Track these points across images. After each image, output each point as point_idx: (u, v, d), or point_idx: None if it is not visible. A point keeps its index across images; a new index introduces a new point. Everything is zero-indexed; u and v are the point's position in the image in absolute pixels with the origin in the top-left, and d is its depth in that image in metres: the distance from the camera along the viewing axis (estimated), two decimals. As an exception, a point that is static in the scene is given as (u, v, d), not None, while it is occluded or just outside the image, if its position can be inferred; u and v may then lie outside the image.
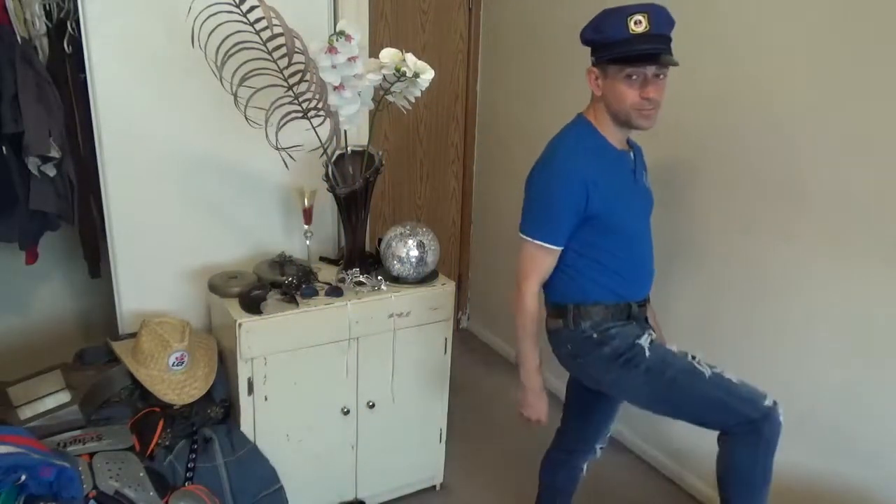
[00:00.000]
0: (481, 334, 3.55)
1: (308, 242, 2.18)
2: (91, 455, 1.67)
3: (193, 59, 1.77)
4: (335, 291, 2.00)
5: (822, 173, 1.86)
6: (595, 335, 1.63)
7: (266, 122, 1.77)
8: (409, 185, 3.34)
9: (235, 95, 1.74)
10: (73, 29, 2.03)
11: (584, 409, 1.89)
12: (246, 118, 1.78)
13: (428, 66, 1.82)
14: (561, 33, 2.73)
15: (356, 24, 1.77)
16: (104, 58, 1.91)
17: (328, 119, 1.87)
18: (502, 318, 3.35)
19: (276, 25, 1.63)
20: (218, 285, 2.01)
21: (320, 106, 1.81)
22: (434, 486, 2.37)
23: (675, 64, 1.50)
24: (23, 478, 1.38)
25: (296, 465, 2.03)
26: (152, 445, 1.80)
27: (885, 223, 1.74)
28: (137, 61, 1.95)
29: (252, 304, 1.89)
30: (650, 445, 2.53)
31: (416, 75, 1.81)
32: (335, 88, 1.78)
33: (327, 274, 2.14)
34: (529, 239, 1.61)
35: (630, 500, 2.37)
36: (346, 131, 1.95)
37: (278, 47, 1.71)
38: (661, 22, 1.50)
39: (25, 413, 1.75)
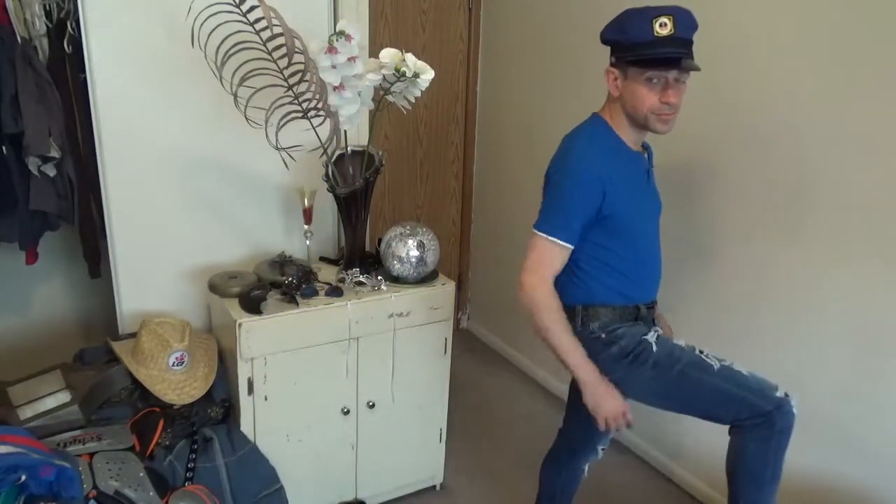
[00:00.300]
0: (481, 334, 3.55)
1: (308, 242, 2.18)
2: (91, 455, 1.67)
3: (193, 59, 1.78)
4: (335, 291, 2.00)
5: (828, 175, 1.86)
6: (603, 335, 1.63)
7: (266, 122, 1.77)
8: (409, 185, 3.34)
9: (235, 95, 1.75)
10: (73, 29, 2.03)
11: (587, 410, 1.88)
12: (246, 118, 1.78)
13: (428, 66, 1.82)
14: (561, 33, 2.73)
15: (356, 24, 1.77)
16: (104, 58, 1.91)
17: (328, 119, 1.87)
18: (502, 318, 3.35)
19: (276, 25, 1.63)
20: (218, 285, 2.01)
21: (320, 106, 1.81)
22: (434, 486, 2.37)
23: (698, 69, 1.49)
24: (23, 478, 1.38)
25: (296, 465, 2.03)
26: (152, 445, 1.80)
27: (888, 224, 1.74)
28: (137, 61, 1.95)
29: (252, 304, 1.89)
30: (650, 445, 2.53)
31: (416, 75, 1.81)
32: (335, 88, 1.78)
33: (327, 274, 2.14)
34: (543, 235, 1.57)
35: (630, 501, 2.37)
36: (346, 131, 1.95)
37: (278, 47, 1.71)
38: (687, 25, 1.48)
39: (25, 413, 1.75)
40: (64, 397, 1.80)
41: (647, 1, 1.57)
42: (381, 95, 1.90)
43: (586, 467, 1.96)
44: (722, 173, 2.14)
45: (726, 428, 1.63)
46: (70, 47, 2.05)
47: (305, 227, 2.16)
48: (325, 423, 2.05)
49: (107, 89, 1.94)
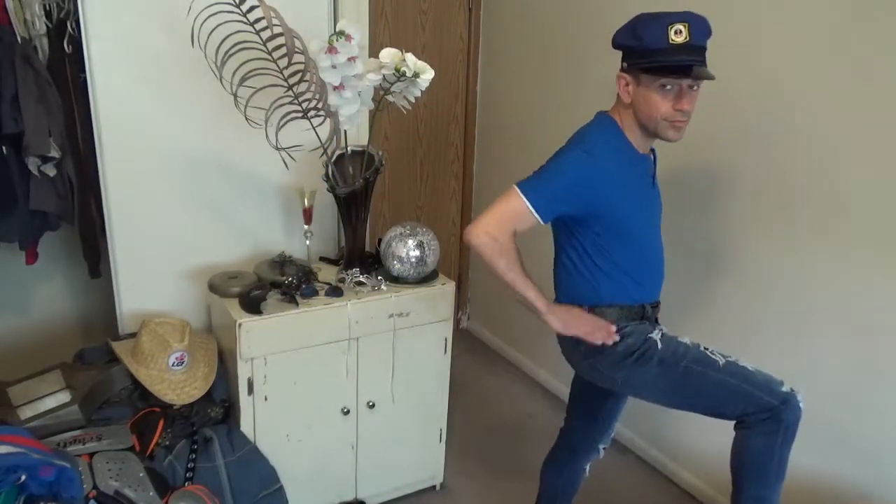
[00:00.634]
0: (481, 334, 3.55)
1: (308, 242, 2.18)
2: (91, 455, 1.67)
3: (193, 59, 1.77)
4: (335, 291, 2.00)
5: (829, 175, 1.86)
6: None
7: (266, 122, 1.77)
8: (409, 185, 3.34)
9: (235, 95, 1.74)
10: (73, 29, 2.03)
11: (589, 408, 1.89)
12: (246, 118, 1.78)
13: (428, 66, 1.82)
14: (561, 33, 2.73)
15: (356, 24, 1.77)
16: (104, 58, 1.91)
17: (328, 119, 1.87)
18: (502, 318, 3.35)
19: (276, 25, 1.63)
20: (218, 285, 2.01)
21: (320, 106, 1.81)
22: (434, 486, 2.37)
23: (713, 78, 1.47)
24: (23, 478, 1.38)
25: (296, 465, 2.03)
26: (152, 445, 1.80)
27: (888, 224, 1.74)
28: (137, 61, 1.95)
29: (252, 304, 1.89)
30: (650, 445, 2.53)
31: (416, 75, 1.81)
32: (335, 88, 1.78)
33: (327, 274, 2.14)
34: (520, 193, 1.52)
35: (630, 501, 2.37)
36: (346, 131, 1.95)
37: (278, 47, 1.71)
38: (702, 32, 1.47)
39: (25, 413, 1.75)
40: (64, 397, 1.80)
41: (652, 4, 1.56)
42: (381, 95, 1.90)
43: (587, 467, 1.96)
44: (723, 174, 2.14)
45: (727, 427, 1.63)
46: (70, 47, 2.05)
47: (305, 227, 2.16)
48: (325, 423, 2.05)
49: (107, 89, 1.94)
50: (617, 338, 1.60)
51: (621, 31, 1.53)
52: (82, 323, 2.59)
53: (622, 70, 1.55)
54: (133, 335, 1.99)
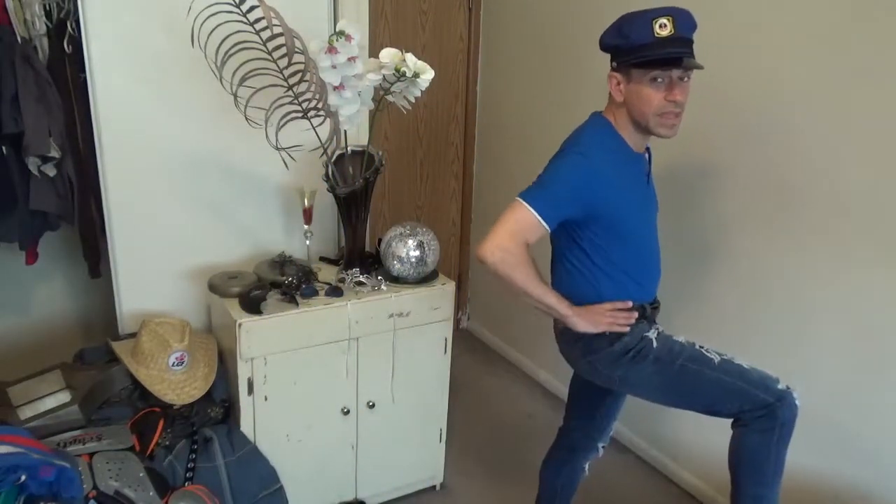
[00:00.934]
0: (481, 334, 3.55)
1: (308, 242, 2.18)
2: (91, 455, 1.67)
3: (193, 59, 1.77)
4: (335, 291, 2.00)
5: (827, 174, 1.86)
6: (607, 333, 1.63)
7: (266, 122, 1.77)
8: (409, 185, 3.34)
9: (235, 95, 1.75)
10: (73, 29, 2.03)
11: (587, 407, 1.89)
12: (246, 118, 1.78)
13: (428, 66, 1.82)
14: (561, 33, 2.73)
15: (356, 24, 1.77)
16: (104, 58, 1.91)
17: (328, 119, 1.87)
18: (502, 318, 3.35)
19: (276, 25, 1.63)
20: (218, 285, 2.01)
21: (320, 106, 1.81)
22: (434, 486, 2.37)
23: (701, 67, 1.50)
24: (23, 478, 1.38)
25: (296, 465, 2.03)
26: (152, 445, 1.80)
27: (887, 223, 1.74)
28: (137, 61, 1.95)
29: (252, 304, 1.89)
30: (650, 445, 2.53)
31: (416, 75, 1.81)
32: (335, 88, 1.78)
33: (327, 274, 2.14)
34: (525, 203, 1.52)
35: (630, 500, 2.37)
36: (346, 131, 1.95)
37: (278, 47, 1.71)
38: (686, 25, 1.49)
39: (25, 413, 1.75)
40: (64, 397, 1.80)
41: (646, 2, 1.57)
42: (381, 95, 1.90)
43: (587, 465, 1.97)
44: (720, 172, 2.14)
45: (726, 427, 1.63)
46: (70, 47, 2.05)
47: (305, 227, 2.16)
48: (325, 423, 2.05)
49: (107, 89, 1.94)
50: (635, 314, 1.62)
51: (608, 32, 1.55)
52: (82, 323, 2.59)
53: (613, 69, 1.56)
54: (133, 335, 1.99)
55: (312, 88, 1.77)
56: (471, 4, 3.20)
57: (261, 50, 1.73)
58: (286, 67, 1.75)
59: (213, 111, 2.02)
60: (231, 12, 1.65)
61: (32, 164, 1.97)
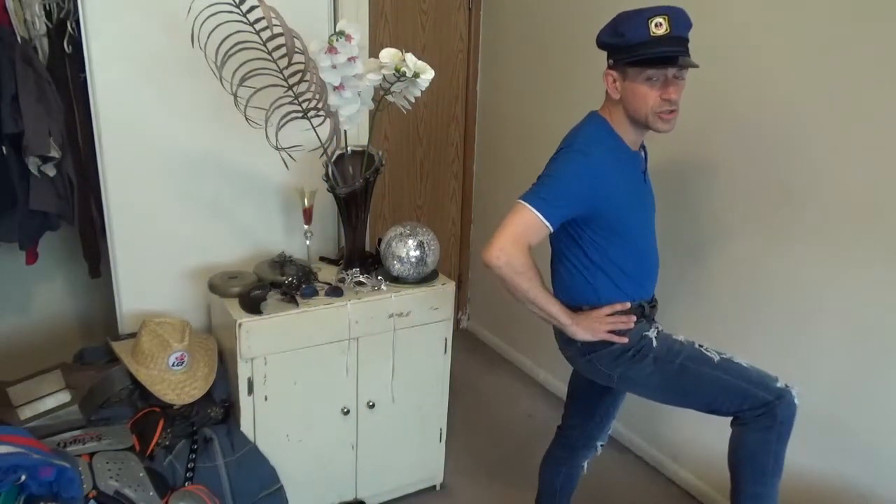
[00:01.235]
0: (481, 334, 3.55)
1: (308, 242, 2.18)
2: (91, 455, 1.67)
3: (193, 59, 1.77)
4: (335, 291, 2.00)
5: (825, 172, 1.86)
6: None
7: (266, 122, 1.77)
8: (409, 185, 3.34)
9: (235, 95, 1.75)
10: (73, 29, 2.03)
11: (586, 406, 1.89)
12: (246, 118, 1.78)
13: (428, 66, 1.82)
14: (561, 33, 2.73)
15: (356, 24, 1.77)
16: (104, 58, 1.91)
17: (328, 119, 1.87)
18: (502, 318, 3.35)
19: (276, 25, 1.63)
20: (218, 285, 2.01)
21: (320, 106, 1.81)
22: (434, 486, 2.37)
23: (696, 66, 1.51)
24: (23, 478, 1.38)
25: (296, 465, 2.03)
26: (152, 445, 1.80)
27: (886, 222, 1.74)
28: (137, 61, 1.95)
29: (252, 304, 1.89)
30: (650, 445, 2.53)
31: (416, 75, 1.81)
32: (335, 88, 1.78)
33: (327, 274, 2.14)
34: (527, 205, 1.52)
35: (630, 500, 2.37)
36: (346, 131, 1.95)
37: (278, 47, 1.71)
38: (681, 24, 1.50)
39: (25, 413, 1.75)
40: (64, 397, 1.80)
41: (646, 1, 1.58)
42: (381, 95, 1.90)
43: (585, 464, 1.97)
44: (718, 171, 2.14)
45: (726, 427, 1.63)
46: (70, 47, 2.06)
47: (305, 227, 2.16)
48: (325, 423, 2.05)
49: (107, 89, 1.94)
50: (634, 317, 1.62)
51: (604, 31, 1.56)
52: (82, 323, 2.59)
53: (609, 67, 1.57)
54: (133, 335, 1.99)
55: (312, 88, 1.77)
56: (471, 4, 3.20)
57: (261, 50, 1.73)
58: (286, 67, 1.75)
59: (213, 111, 2.02)
60: (231, 12, 1.65)
61: (32, 164, 1.97)
